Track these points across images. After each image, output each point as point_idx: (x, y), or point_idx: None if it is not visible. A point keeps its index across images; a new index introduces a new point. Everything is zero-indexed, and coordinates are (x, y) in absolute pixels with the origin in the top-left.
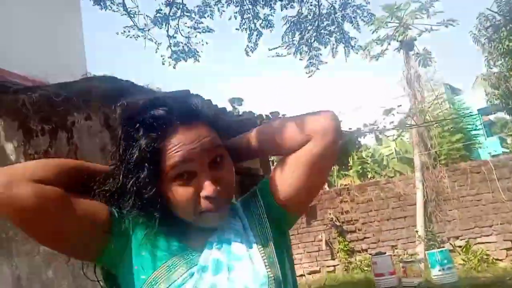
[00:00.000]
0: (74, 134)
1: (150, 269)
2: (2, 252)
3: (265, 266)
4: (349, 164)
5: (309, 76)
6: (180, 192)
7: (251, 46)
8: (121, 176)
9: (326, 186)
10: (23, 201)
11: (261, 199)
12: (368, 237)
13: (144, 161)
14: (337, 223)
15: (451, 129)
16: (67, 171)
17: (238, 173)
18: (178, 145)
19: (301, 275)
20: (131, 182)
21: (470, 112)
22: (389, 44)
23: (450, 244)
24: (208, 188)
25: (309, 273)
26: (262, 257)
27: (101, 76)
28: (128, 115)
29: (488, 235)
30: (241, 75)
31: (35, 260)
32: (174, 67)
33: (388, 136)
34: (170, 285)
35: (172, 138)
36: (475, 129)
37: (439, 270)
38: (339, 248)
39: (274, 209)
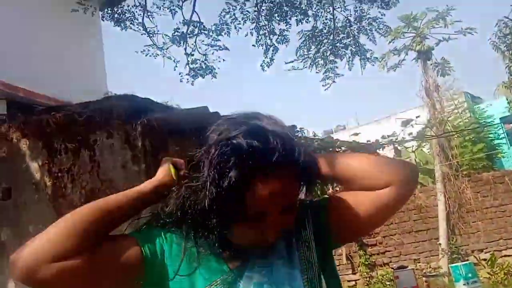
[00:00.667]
0: (96, 152)
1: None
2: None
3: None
4: None
5: (325, 89)
6: (246, 226)
7: (267, 62)
8: (206, 193)
9: None
10: (49, 285)
11: (311, 220)
12: (389, 251)
13: (233, 191)
14: None
15: (473, 139)
16: (90, 221)
17: None
18: (265, 190)
19: None
20: (216, 204)
21: (492, 121)
22: (407, 54)
23: (475, 257)
24: (272, 235)
25: None
26: (303, 281)
27: (121, 95)
28: (222, 143)
29: None
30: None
31: None
32: (192, 84)
33: (408, 148)
34: None
35: (262, 178)
36: (498, 138)
37: (464, 285)
38: (360, 262)
39: (325, 234)
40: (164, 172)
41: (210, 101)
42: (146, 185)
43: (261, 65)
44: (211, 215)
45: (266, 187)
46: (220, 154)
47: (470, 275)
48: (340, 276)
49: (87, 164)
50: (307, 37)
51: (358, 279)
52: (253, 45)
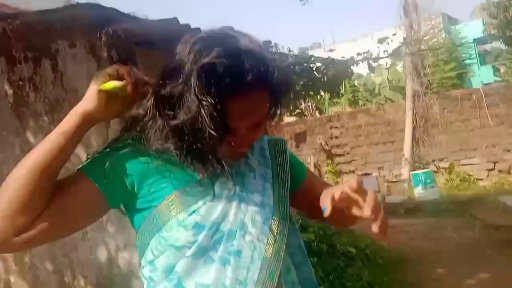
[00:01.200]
0: (59, 61)
1: (167, 193)
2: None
3: (274, 207)
4: (340, 92)
5: (302, 4)
6: (216, 137)
7: None
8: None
9: (317, 113)
10: (22, 249)
11: (288, 162)
12: (356, 160)
13: (212, 111)
14: (326, 148)
15: (445, 59)
16: (31, 185)
17: None
18: (239, 107)
19: None
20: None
21: (465, 42)
22: None
23: (435, 165)
24: (243, 146)
25: None
26: (274, 194)
27: (84, 3)
28: (199, 65)
29: (472, 158)
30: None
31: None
32: None
33: (381, 65)
34: (185, 209)
35: (237, 96)
36: (469, 59)
37: (422, 189)
38: (327, 169)
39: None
40: (88, 98)
41: (180, 13)
42: (67, 123)
43: None
44: (184, 131)
45: (240, 106)
46: (198, 77)
47: (428, 180)
48: None
49: (49, 73)
50: None
51: None
52: None
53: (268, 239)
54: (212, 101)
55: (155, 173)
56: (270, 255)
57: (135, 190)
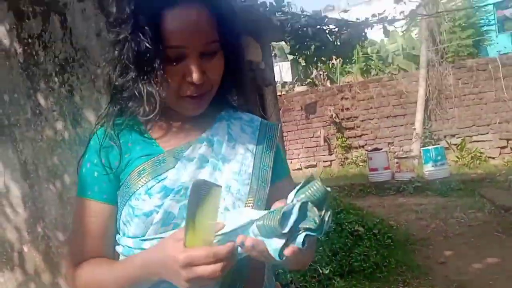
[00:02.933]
0: (68, 17)
1: (139, 162)
2: (6, 138)
3: (253, 173)
4: (353, 58)
5: None
6: (167, 71)
7: None
8: (120, 46)
9: (328, 83)
10: None
11: (275, 146)
12: (366, 134)
13: (147, 32)
14: (337, 120)
15: (463, 24)
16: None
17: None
18: (175, 22)
19: (298, 169)
20: (130, 50)
21: (484, 5)
22: None
23: (446, 141)
24: (194, 75)
25: (306, 167)
26: (254, 163)
27: None
28: None
29: (484, 134)
30: None
31: (39, 146)
32: None
33: (397, 29)
34: (154, 177)
35: (171, 14)
36: (488, 25)
37: (432, 166)
38: (336, 144)
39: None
40: (173, 273)
41: None
42: (143, 279)
43: None
44: (133, 68)
45: (176, 19)
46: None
47: (439, 157)
48: (316, 157)
49: (58, 30)
50: None
51: (334, 160)
52: None
53: (245, 206)
54: (146, 19)
55: (129, 149)
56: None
57: (118, 168)
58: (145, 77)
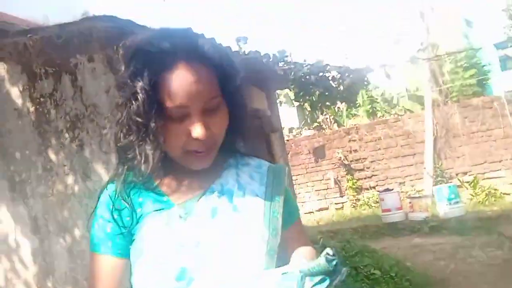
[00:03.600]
0: (78, 76)
1: (152, 216)
2: (17, 194)
3: (264, 222)
4: (357, 102)
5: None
6: (171, 129)
7: None
8: (125, 110)
9: (335, 125)
10: None
11: (283, 188)
12: (376, 175)
13: (147, 93)
14: (346, 162)
15: (464, 65)
16: None
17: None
18: (175, 83)
19: (310, 212)
20: (132, 113)
21: (485, 47)
22: None
23: (458, 179)
24: (197, 130)
25: (318, 210)
26: (265, 212)
27: (100, 15)
28: (132, 50)
29: (496, 170)
30: (247, 13)
31: (50, 201)
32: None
33: (398, 72)
34: (168, 231)
35: (172, 74)
36: (490, 64)
37: (446, 205)
38: (347, 186)
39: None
40: None
41: (196, 24)
42: None
43: None
44: (148, 118)
45: (176, 79)
46: (128, 62)
47: (452, 196)
48: (328, 199)
49: (69, 89)
50: None
51: (345, 202)
52: None
53: (258, 256)
54: (146, 81)
55: (140, 204)
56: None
57: (130, 226)
58: (146, 137)
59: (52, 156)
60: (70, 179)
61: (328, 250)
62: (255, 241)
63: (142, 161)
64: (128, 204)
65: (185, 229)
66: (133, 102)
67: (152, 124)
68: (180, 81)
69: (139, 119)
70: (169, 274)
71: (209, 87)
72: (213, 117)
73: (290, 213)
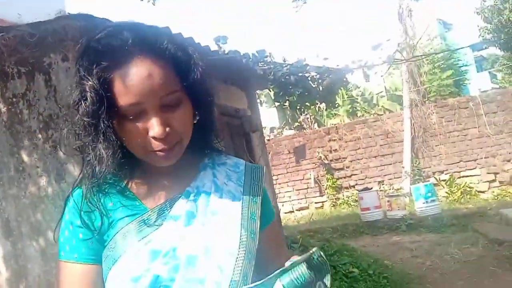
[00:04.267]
0: (52, 76)
1: (123, 223)
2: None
3: (241, 224)
4: (336, 103)
5: (296, 11)
6: (129, 128)
7: None
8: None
9: (315, 125)
10: None
11: (261, 190)
12: (355, 174)
13: (96, 92)
14: (326, 161)
15: (442, 66)
16: None
17: (226, 114)
18: (128, 79)
19: (290, 212)
20: (85, 116)
21: (460, 48)
22: None
23: (435, 178)
24: (155, 129)
25: (298, 210)
26: (242, 214)
27: (76, 14)
28: (83, 46)
29: (472, 169)
30: (226, 12)
31: (22, 203)
32: (153, 3)
33: (376, 73)
34: (141, 238)
35: (123, 70)
36: (466, 65)
37: (423, 203)
38: (327, 185)
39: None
40: None
41: (174, 22)
42: None
43: None
44: (100, 119)
45: (127, 76)
46: (80, 60)
47: (429, 194)
48: (308, 199)
49: (43, 89)
50: None
51: (325, 201)
52: None
53: (236, 260)
54: (95, 80)
55: (111, 209)
56: (238, 277)
57: (101, 230)
58: (98, 137)
59: (25, 157)
60: (43, 181)
61: (313, 253)
62: (233, 245)
63: (96, 162)
64: (98, 208)
65: (159, 235)
66: (82, 102)
67: (102, 124)
68: (131, 77)
69: (88, 119)
70: (143, 283)
71: (164, 81)
72: (173, 113)
73: (267, 214)
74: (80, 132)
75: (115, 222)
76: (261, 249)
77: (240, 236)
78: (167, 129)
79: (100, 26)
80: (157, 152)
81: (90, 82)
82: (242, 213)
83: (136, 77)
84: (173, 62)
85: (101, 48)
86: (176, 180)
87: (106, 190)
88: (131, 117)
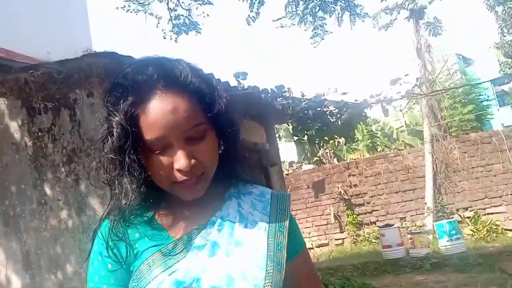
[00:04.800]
0: (77, 111)
1: (148, 254)
2: (11, 229)
3: (267, 255)
4: (355, 137)
5: (314, 47)
6: (155, 161)
7: (253, 16)
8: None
9: (335, 160)
10: None
11: (288, 219)
12: (376, 210)
13: (122, 127)
14: (346, 197)
15: (463, 101)
16: None
17: (244, 148)
18: (152, 114)
19: (309, 248)
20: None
21: (482, 83)
22: (399, 13)
23: (459, 215)
24: (180, 162)
25: (317, 246)
26: (268, 244)
27: (102, 52)
28: (110, 83)
29: (497, 206)
30: (246, 48)
31: (43, 236)
32: (175, 41)
33: (395, 107)
34: (166, 269)
35: (148, 105)
36: (487, 100)
37: (447, 241)
38: (347, 221)
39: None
40: None
41: (195, 58)
42: None
43: (246, 20)
44: (128, 155)
45: (152, 110)
46: (107, 98)
47: (453, 232)
48: (328, 235)
49: (67, 124)
50: None
51: (346, 238)
52: None
53: None
54: (122, 116)
55: (138, 240)
56: None
57: (127, 259)
58: (124, 172)
59: (48, 190)
60: (64, 214)
61: None
62: (258, 277)
63: (122, 195)
64: (123, 240)
65: (183, 266)
66: (109, 137)
67: (127, 159)
68: (156, 111)
69: (115, 155)
70: None
71: (188, 115)
72: (198, 145)
73: (295, 244)
74: (107, 166)
75: (140, 252)
76: (292, 282)
77: (266, 267)
78: (192, 161)
79: (125, 63)
80: (182, 185)
81: (116, 118)
82: (268, 244)
83: (160, 111)
84: (197, 94)
85: (127, 84)
86: (202, 209)
87: (133, 221)
88: (157, 151)
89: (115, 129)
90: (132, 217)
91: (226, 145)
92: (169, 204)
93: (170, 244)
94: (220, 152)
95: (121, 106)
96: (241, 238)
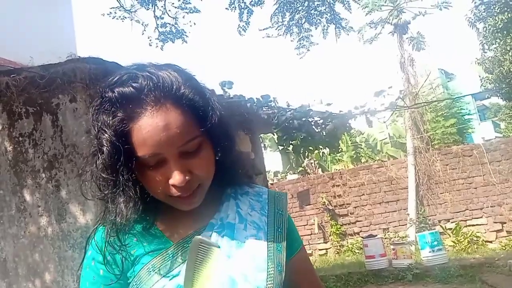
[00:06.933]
0: (59, 116)
1: (148, 257)
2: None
3: (268, 257)
4: (340, 148)
5: (300, 58)
6: (149, 177)
7: (243, 26)
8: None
9: (319, 170)
10: None
11: (287, 218)
12: (360, 221)
13: (113, 145)
14: (330, 207)
15: (445, 114)
16: None
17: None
18: (144, 131)
19: None
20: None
21: (463, 96)
22: (383, 27)
23: (441, 226)
24: (175, 178)
25: None
26: (268, 245)
27: (86, 57)
28: (99, 97)
29: (478, 218)
30: (232, 57)
31: (21, 242)
32: (161, 49)
33: (379, 119)
34: (166, 274)
35: (139, 122)
36: (469, 114)
37: (429, 252)
38: (331, 231)
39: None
40: None
41: (181, 67)
42: None
43: (237, 29)
44: (120, 169)
45: (143, 128)
46: (96, 113)
47: (435, 243)
48: (312, 245)
49: (49, 129)
50: (281, 3)
51: (329, 248)
52: (226, 8)
53: None
54: (112, 133)
55: (136, 245)
56: None
57: (124, 267)
58: (117, 191)
59: (27, 196)
60: (43, 220)
61: None
62: (260, 279)
63: (117, 214)
64: (120, 252)
65: (183, 270)
66: (99, 156)
67: (121, 177)
68: (148, 129)
69: (107, 174)
70: None
71: (181, 130)
72: (194, 159)
73: (293, 243)
74: (100, 184)
75: (139, 257)
76: (291, 280)
77: (267, 269)
78: (187, 177)
79: (110, 69)
80: (178, 198)
81: (106, 135)
82: (268, 245)
83: (152, 129)
84: (191, 107)
85: (115, 99)
86: (201, 213)
87: (130, 229)
88: (151, 166)
89: (105, 147)
90: (129, 225)
91: (222, 154)
92: (167, 210)
93: (170, 248)
94: (216, 158)
95: (111, 122)
96: (241, 239)
